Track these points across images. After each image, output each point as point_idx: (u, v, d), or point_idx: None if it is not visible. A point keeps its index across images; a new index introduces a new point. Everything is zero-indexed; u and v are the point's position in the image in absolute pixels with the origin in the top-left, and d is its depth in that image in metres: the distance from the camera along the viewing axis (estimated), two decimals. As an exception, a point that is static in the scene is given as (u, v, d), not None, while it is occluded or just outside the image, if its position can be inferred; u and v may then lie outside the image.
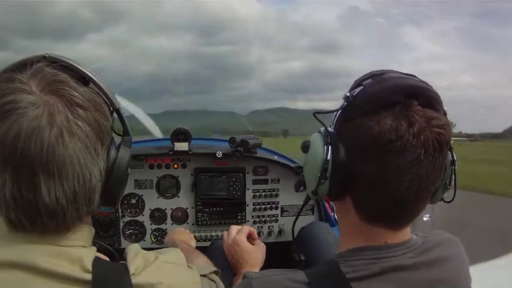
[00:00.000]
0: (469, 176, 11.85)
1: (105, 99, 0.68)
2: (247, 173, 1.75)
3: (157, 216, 1.72)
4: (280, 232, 1.80)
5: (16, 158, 0.57)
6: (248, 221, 1.76)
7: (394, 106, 0.65)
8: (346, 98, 0.70)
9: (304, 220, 1.68)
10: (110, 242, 1.63)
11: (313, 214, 1.81)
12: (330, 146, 0.70)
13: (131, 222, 1.69)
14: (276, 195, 1.79)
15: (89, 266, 0.62)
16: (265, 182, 1.78)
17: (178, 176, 1.72)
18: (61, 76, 0.63)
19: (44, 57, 0.65)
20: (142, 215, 1.70)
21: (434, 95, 0.68)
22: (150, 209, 1.70)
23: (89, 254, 0.64)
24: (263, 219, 1.78)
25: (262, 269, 1.24)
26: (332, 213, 1.79)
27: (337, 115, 0.73)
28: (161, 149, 1.71)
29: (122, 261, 0.68)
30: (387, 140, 0.63)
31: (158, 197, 1.71)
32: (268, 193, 1.78)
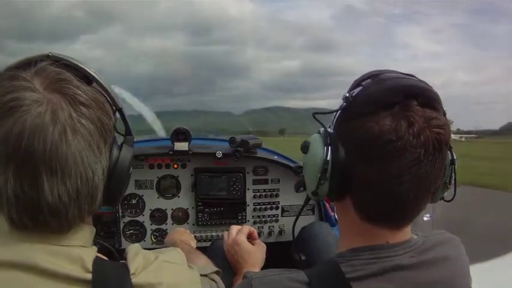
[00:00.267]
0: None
1: (108, 98, 0.68)
2: (247, 173, 1.75)
3: (158, 216, 1.72)
4: (280, 232, 1.80)
5: (19, 155, 0.57)
6: (248, 221, 1.76)
7: (393, 106, 0.65)
8: (345, 99, 0.70)
9: (305, 220, 1.69)
10: (110, 242, 1.63)
11: (313, 214, 1.81)
12: (329, 147, 0.70)
13: (131, 222, 1.70)
14: (276, 195, 1.79)
15: (90, 266, 0.62)
16: (265, 182, 1.78)
17: (178, 176, 1.72)
18: (64, 75, 0.63)
19: (47, 56, 0.65)
20: (143, 215, 1.70)
21: (433, 95, 0.68)
22: (150, 209, 1.71)
23: (89, 254, 0.64)
24: (263, 219, 1.78)
25: (262, 269, 1.24)
26: (332, 213, 1.79)
27: (337, 115, 0.73)
28: (161, 148, 1.71)
29: (122, 261, 0.68)
30: (387, 141, 0.63)
31: (158, 197, 1.71)
32: (269, 193, 1.78)
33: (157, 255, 0.71)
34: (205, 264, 1.09)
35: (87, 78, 0.66)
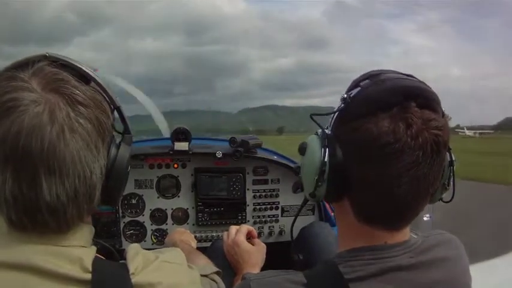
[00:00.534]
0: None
1: (106, 97, 0.68)
2: (247, 173, 1.75)
3: (158, 216, 1.72)
4: (280, 232, 1.80)
5: (17, 155, 0.57)
6: (248, 221, 1.76)
7: (391, 108, 0.64)
8: (343, 100, 0.70)
9: (305, 220, 1.68)
10: (110, 242, 1.63)
11: (313, 214, 1.81)
12: (327, 149, 0.69)
13: (132, 222, 1.70)
14: (276, 196, 1.79)
15: (89, 266, 0.62)
16: (265, 182, 1.78)
17: (178, 176, 1.72)
18: (62, 75, 0.63)
19: (45, 57, 0.66)
20: (143, 215, 1.70)
21: (432, 96, 0.68)
22: (150, 209, 1.71)
23: (88, 254, 0.64)
24: (263, 219, 1.78)
25: (263, 269, 1.24)
26: (332, 213, 1.79)
27: (334, 117, 0.72)
28: (161, 148, 1.71)
29: (121, 261, 0.68)
30: (385, 142, 0.63)
31: (158, 197, 1.71)
32: (269, 193, 1.78)
33: (157, 255, 0.71)
34: (206, 264, 1.09)
35: (84, 78, 0.66)
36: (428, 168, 0.65)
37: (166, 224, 1.73)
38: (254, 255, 1.26)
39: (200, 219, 1.73)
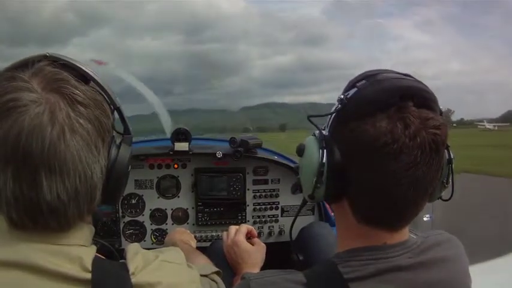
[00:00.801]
0: None
1: (106, 97, 0.69)
2: (248, 173, 1.75)
3: (158, 216, 1.72)
4: (280, 232, 1.80)
5: (18, 156, 0.57)
6: (248, 221, 1.76)
7: (389, 108, 0.64)
8: (340, 101, 0.69)
9: (305, 220, 1.69)
10: (110, 242, 1.63)
11: (313, 214, 1.80)
12: (324, 150, 0.69)
13: (131, 222, 1.70)
14: (276, 196, 1.79)
15: (89, 265, 0.62)
16: (266, 182, 1.78)
17: (178, 176, 1.72)
18: (62, 75, 0.63)
19: (45, 57, 0.66)
20: (143, 215, 1.70)
21: (429, 95, 0.68)
22: (150, 209, 1.71)
23: (88, 253, 0.64)
24: (263, 219, 1.78)
25: (262, 268, 1.24)
26: (332, 214, 1.78)
27: (332, 118, 0.72)
28: (161, 148, 1.71)
29: (121, 261, 0.68)
30: (383, 143, 0.63)
31: (158, 197, 1.71)
32: (269, 193, 1.78)
33: (157, 255, 0.71)
34: (205, 264, 1.09)
35: (84, 78, 0.66)
36: (427, 168, 0.65)
37: (166, 223, 1.73)
38: (254, 255, 1.26)
39: (200, 219, 1.73)
